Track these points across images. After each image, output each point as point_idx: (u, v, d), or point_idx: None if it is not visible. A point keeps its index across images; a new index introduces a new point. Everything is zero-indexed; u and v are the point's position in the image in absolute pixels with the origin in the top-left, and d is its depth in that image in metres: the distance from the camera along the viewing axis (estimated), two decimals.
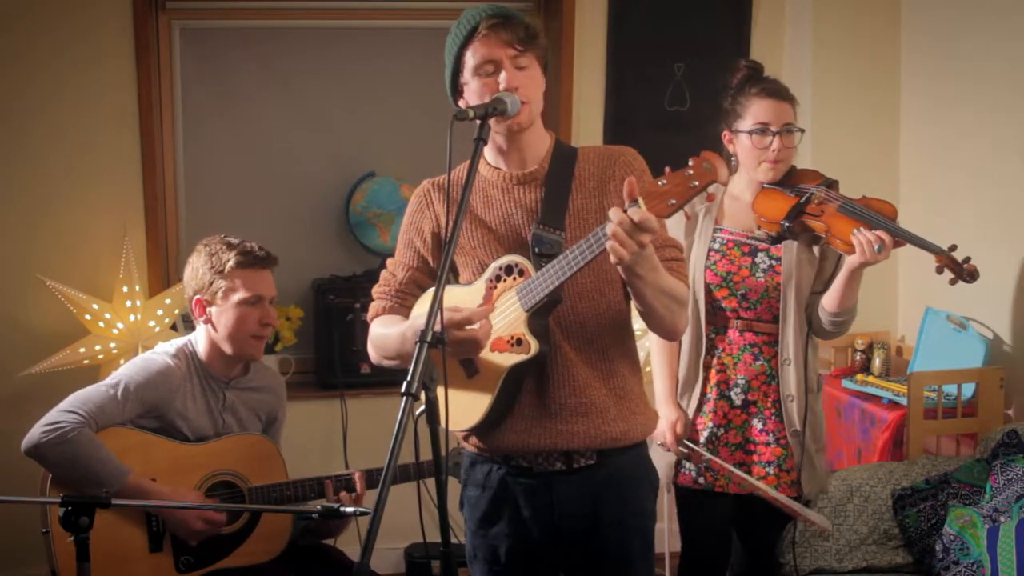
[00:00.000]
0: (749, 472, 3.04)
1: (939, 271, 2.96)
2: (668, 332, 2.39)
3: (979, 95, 3.94)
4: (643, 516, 2.50)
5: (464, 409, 2.34)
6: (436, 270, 2.40)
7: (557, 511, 2.42)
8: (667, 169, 2.12)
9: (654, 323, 2.34)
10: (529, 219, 2.38)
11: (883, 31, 4.37)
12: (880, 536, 3.30)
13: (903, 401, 3.69)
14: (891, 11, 4.36)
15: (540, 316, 2.28)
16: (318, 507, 2.28)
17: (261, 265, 3.03)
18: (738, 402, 3.05)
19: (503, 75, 2.29)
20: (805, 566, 3.23)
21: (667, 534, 4.13)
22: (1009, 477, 3.16)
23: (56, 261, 4.03)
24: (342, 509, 2.26)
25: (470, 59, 2.31)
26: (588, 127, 4.39)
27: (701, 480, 3.05)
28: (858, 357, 4.17)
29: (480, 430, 2.38)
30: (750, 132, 3.01)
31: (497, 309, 2.31)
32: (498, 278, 2.33)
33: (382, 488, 1.85)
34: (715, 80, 3.15)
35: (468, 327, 2.20)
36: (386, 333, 2.41)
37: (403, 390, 1.90)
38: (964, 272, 2.93)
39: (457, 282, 2.44)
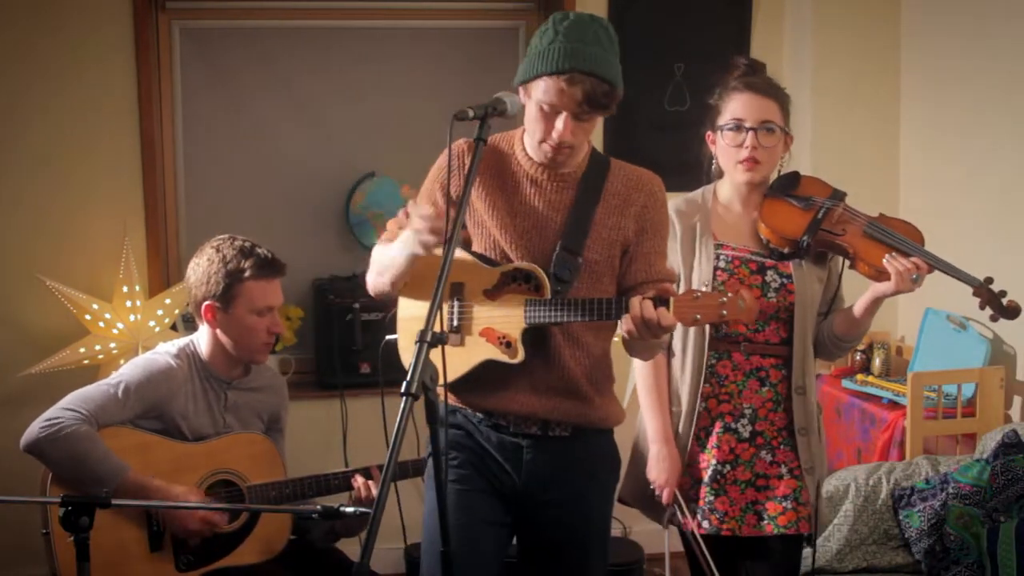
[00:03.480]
0: (764, 510, 2.78)
1: (981, 307, 2.76)
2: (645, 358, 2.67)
3: (979, 95, 3.94)
4: (606, 494, 2.61)
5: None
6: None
7: (526, 469, 2.48)
8: (703, 289, 2.27)
9: (633, 354, 2.60)
10: (553, 219, 2.43)
11: (883, 31, 4.37)
12: (880, 536, 3.29)
13: (903, 401, 3.69)
14: (891, 11, 4.36)
15: (536, 330, 2.39)
16: (318, 507, 2.27)
17: (275, 275, 3.02)
18: (746, 434, 2.78)
19: (559, 125, 2.31)
20: (805, 566, 3.22)
21: (667, 534, 4.12)
22: (1009, 477, 3.16)
23: (56, 261, 4.02)
24: (342, 509, 2.25)
25: (537, 90, 2.31)
26: None
27: (705, 524, 2.78)
28: (858, 357, 4.16)
29: (452, 387, 2.43)
30: (722, 128, 2.79)
31: (500, 304, 2.40)
32: (514, 278, 2.41)
33: (382, 488, 1.85)
34: (715, 80, 3.13)
35: (429, 236, 2.25)
36: (385, 249, 2.43)
37: (403, 390, 1.91)
38: (1006, 310, 2.73)
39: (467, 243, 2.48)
